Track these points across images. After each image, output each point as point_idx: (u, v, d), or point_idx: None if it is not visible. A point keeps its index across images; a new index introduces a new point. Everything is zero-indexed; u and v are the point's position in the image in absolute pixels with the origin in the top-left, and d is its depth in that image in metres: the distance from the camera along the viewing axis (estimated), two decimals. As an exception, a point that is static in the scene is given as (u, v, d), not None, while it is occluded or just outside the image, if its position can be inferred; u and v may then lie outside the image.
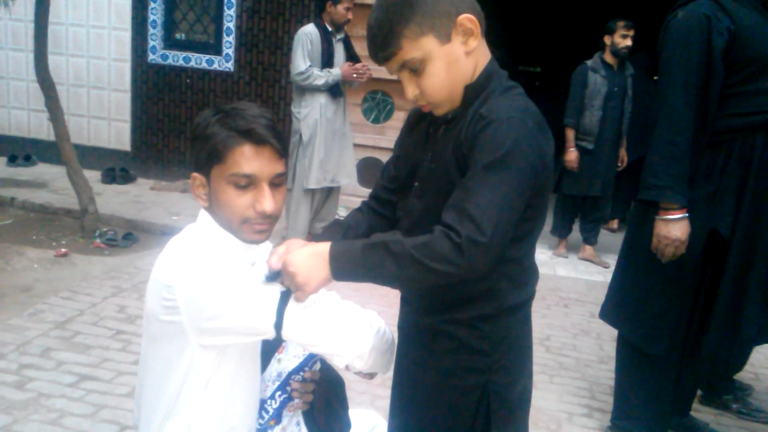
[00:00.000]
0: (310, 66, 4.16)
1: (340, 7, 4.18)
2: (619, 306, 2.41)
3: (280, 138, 1.24)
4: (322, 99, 4.26)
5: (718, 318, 2.18)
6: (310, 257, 1.12)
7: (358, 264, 1.10)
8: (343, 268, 1.11)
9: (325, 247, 1.13)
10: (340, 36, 4.36)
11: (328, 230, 1.38)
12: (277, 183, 1.25)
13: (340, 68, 4.24)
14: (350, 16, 4.25)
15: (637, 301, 2.31)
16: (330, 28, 4.26)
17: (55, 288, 3.54)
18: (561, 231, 5.07)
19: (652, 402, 2.36)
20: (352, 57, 4.39)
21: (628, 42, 4.58)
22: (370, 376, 1.38)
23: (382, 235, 1.13)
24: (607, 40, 4.67)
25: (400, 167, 1.36)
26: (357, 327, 1.21)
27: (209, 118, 1.24)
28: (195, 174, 1.27)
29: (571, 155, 4.71)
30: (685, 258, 2.15)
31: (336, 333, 1.19)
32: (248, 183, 1.21)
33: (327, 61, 4.25)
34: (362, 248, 1.10)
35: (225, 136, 1.20)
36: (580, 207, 4.99)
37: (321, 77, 4.17)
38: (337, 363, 1.24)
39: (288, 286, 1.14)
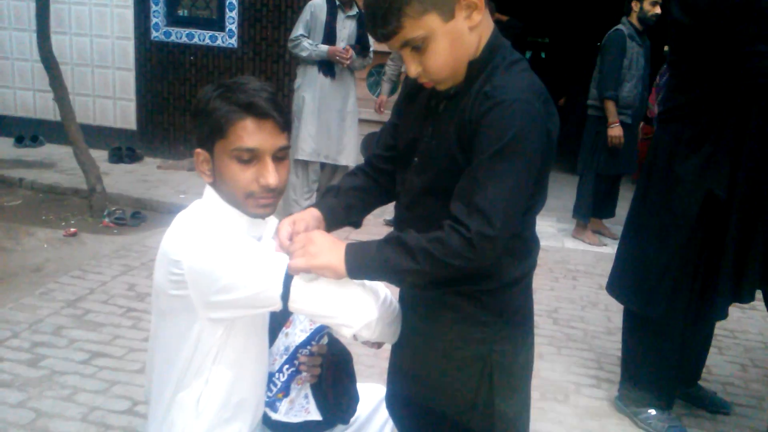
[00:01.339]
0: (302, 35, 4.14)
1: None
2: (621, 275, 2.43)
3: (281, 111, 1.24)
4: (315, 72, 4.22)
5: (725, 281, 2.18)
6: (331, 240, 1.16)
7: (373, 260, 1.12)
8: (359, 264, 1.13)
9: (342, 242, 1.16)
10: (350, 12, 4.27)
11: (324, 195, 1.40)
12: (280, 157, 1.25)
13: (328, 47, 4.16)
14: None
15: (636, 267, 2.34)
16: (337, 2, 4.20)
17: (66, 267, 3.57)
18: (587, 215, 4.74)
19: (658, 371, 2.38)
20: (361, 37, 4.29)
21: (658, 9, 4.29)
22: (378, 345, 1.38)
23: (398, 233, 1.14)
24: (635, 6, 4.38)
25: (398, 136, 1.34)
26: (363, 297, 1.21)
27: (210, 93, 1.23)
28: (198, 150, 1.27)
29: (617, 131, 4.34)
30: (680, 220, 2.16)
31: (342, 303, 1.19)
32: (251, 157, 1.21)
33: (328, 36, 4.17)
34: (378, 244, 1.12)
35: (226, 110, 1.20)
36: (615, 186, 4.72)
37: (306, 49, 4.13)
38: (345, 333, 1.24)
39: (298, 251, 1.15)
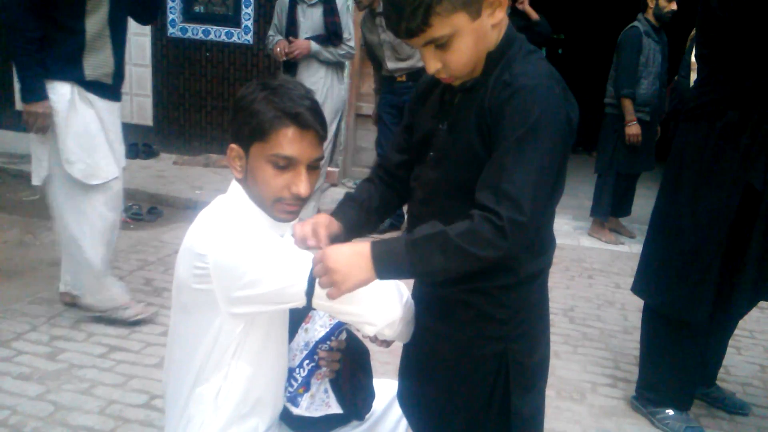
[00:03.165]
0: (271, 35, 4.16)
1: None
2: (650, 277, 2.36)
3: (323, 123, 1.26)
4: (281, 72, 4.18)
5: (749, 274, 2.14)
6: (352, 256, 1.09)
7: (403, 262, 1.08)
8: (389, 268, 1.10)
9: (365, 247, 1.10)
10: (312, 1, 4.08)
11: (342, 206, 1.37)
12: (314, 167, 1.27)
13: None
14: None
15: (674, 271, 2.26)
16: None
17: (83, 261, 3.59)
18: (607, 213, 4.73)
19: (679, 371, 2.35)
20: (331, 24, 4.08)
21: (674, 6, 4.28)
22: (387, 344, 1.37)
23: (423, 228, 1.09)
24: (650, 2, 4.35)
25: (409, 138, 1.33)
26: (387, 295, 1.21)
27: (256, 93, 1.24)
28: (233, 145, 1.28)
29: (635, 129, 4.33)
30: (720, 215, 2.11)
31: (367, 302, 1.19)
32: (287, 164, 1.23)
33: (289, 30, 4.07)
34: (405, 245, 1.08)
35: (272, 115, 1.21)
36: (633, 184, 4.73)
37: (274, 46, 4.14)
38: (368, 331, 1.24)
39: (322, 280, 1.12)
